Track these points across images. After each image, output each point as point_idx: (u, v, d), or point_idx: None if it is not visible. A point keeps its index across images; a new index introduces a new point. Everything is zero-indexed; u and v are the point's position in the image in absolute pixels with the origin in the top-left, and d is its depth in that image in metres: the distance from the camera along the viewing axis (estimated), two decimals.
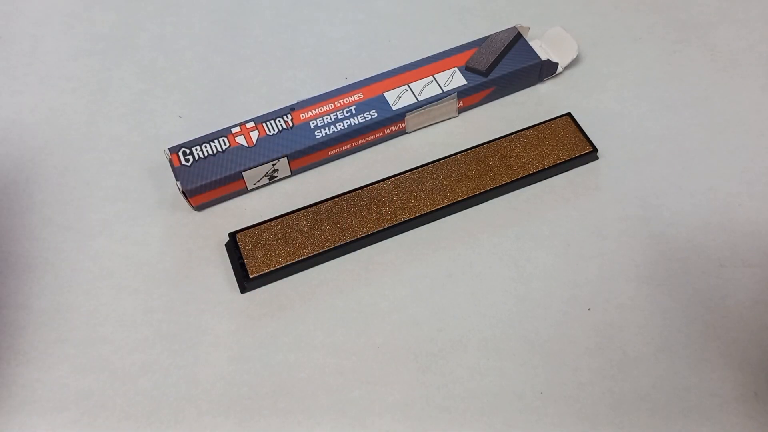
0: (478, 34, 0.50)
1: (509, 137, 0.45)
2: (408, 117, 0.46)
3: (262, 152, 0.44)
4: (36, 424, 0.37)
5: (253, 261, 0.41)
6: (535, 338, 0.39)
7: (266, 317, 0.40)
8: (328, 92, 0.46)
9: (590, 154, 0.45)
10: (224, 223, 0.44)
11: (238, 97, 0.50)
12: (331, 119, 0.45)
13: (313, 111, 0.45)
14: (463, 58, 0.48)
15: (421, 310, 0.40)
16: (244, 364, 0.39)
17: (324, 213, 0.42)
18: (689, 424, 0.36)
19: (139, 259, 0.43)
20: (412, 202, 0.43)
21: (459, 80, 0.47)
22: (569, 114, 0.46)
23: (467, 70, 0.47)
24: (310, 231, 0.42)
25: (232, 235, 0.42)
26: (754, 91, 0.48)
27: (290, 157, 0.44)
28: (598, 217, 0.43)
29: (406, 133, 0.48)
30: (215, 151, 0.44)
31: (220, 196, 0.44)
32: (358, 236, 0.42)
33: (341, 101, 0.46)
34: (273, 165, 0.44)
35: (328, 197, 0.43)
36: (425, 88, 0.46)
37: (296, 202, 0.44)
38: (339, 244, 0.41)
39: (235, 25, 0.54)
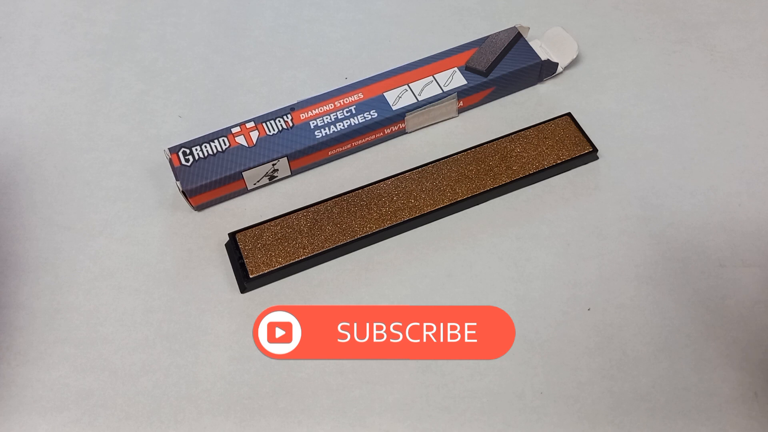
0: (478, 34, 0.50)
1: (509, 137, 0.45)
2: (408, 117, 0.46)
3: (262, 152, 0.44)
4: (36, 424, 0.37)
5: (253, 261, 0.41)
6: (535, 338, 0.39)
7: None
8: (328, 92, 0.46)
9: (590, 154, 0.45)
10: (224, 223, 0.44)
11: (238, 97, 0.50)
12: (331, 119, 0.45)
13: (313, 111, 0.45)
14: (463, 58, 0.48)
15: None
16: (244, 364, 0.39)
17: (324, 213, 0.42)
18: (689, 424, 0.36)
19: (139, 259, 0.43)
20: (412, 202, 0.43)
21: (459, 80, 0.47)
22: (569, 114, 0.46)
23: (467, 70, 0.47)
24: (310, 231, 0.42)
25: (232, 235, 0.42)
26: (753, 91, 0.48)
27: (290, 157, 0.44)
28: (598, 217, 0.43)
29: (406, 133, 0.48)
30: (215, 151, 0.44)
31: (220, 196, 0.44)
32: (358, 236, 0.42)
33: (341, 101, 0.46)
34: (273, 165, 0.44)
35: (328, 197, 0.43)
36: (425, 88, 0.46)
37: (296, 202, 0.44)
38: (339, 244, 0.41)
39: (235, 25, 0.54)
